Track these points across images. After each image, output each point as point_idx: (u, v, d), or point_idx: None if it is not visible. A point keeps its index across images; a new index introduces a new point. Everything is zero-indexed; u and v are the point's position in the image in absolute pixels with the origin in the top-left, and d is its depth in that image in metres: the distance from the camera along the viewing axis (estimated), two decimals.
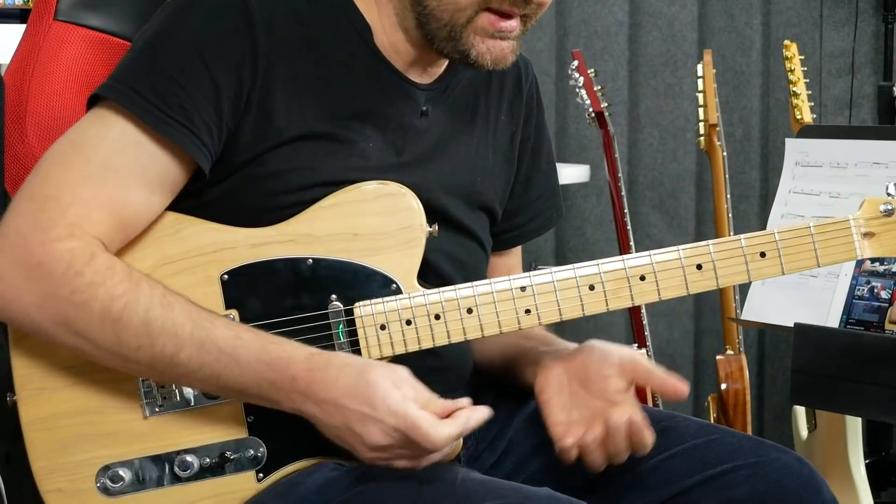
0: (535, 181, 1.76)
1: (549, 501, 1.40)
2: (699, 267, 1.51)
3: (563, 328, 3.53)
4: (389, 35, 1.56)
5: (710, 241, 1.52)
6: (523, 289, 1.50)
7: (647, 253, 1.51)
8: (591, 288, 1.51)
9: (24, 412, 1.47)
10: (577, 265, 1.51)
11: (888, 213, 1.53)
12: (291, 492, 1.46)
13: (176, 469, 1.47)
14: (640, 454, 1.54)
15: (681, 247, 1.51)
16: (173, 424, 1.47)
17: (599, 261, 1.51)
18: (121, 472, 1.47)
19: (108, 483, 1.47)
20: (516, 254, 1.82)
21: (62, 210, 1.40)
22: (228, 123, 1.47)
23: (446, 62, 1.61)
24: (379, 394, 1.38)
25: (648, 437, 1.53)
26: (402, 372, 1.42)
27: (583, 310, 1.51)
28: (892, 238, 1.53)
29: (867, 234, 1.54)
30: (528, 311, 1.50)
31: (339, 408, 1.39)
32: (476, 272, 1.64)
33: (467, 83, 1.65)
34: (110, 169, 1.43)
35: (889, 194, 1.55)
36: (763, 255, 1.51)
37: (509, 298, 1.50)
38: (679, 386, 1.54)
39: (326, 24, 1.54)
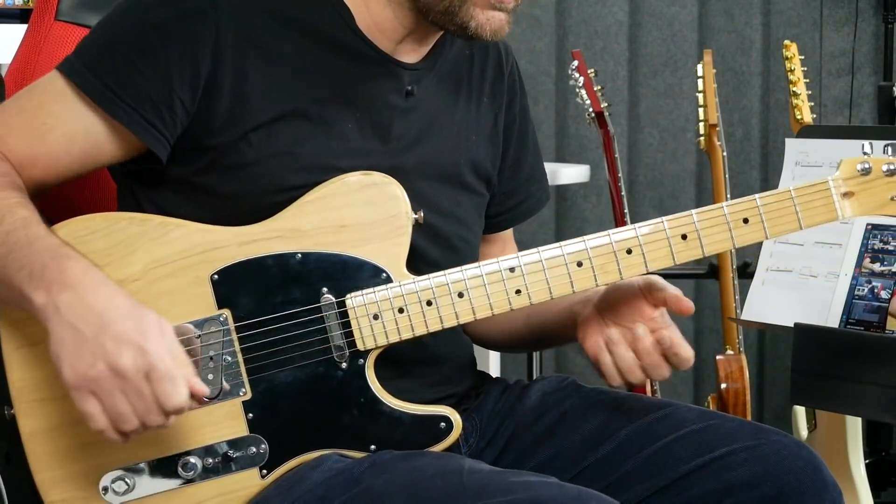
0: (524, 163, 1.77)
1: (560, 490, 1.39)
2: (684, 237, 1.52)
3: None
4: (374, 14, 1.56)
5: (694, 211, 1.52)
6: (512, 269, 1.50)
7: (632, 226, 1.52)
8: (580, 264, 1.51)
9: (23, 425, 1.46)
10: (563, 242, 1.52)
11: (865, 172, 1.54)
12: (297, 486, 1.46)
13: (180, 471, 1.47)
14: (684, 369, 1.56)
15: (665, 218, 1.52)
16: (174, 427, 1.46)
17: (586, 237, 1.52)
18: (125, 478, 1.47)
19: (113, 489, 1.47)
20: (509, 235, 1.83)
21: None
22: (187, 107, 1.48)
23: (434, 39, 1.61)
24: (156, 329, 1.35)
25: (686, 350, 1.56)
26: (171, 330, 1.38)
27: (572, 286, 1.51)
28: (870, 196, 1.54)
29: (846, 194, 1.54)
30: (518, 292, 1.51)
31: (102, 318, 1.34)
32: (466, 256, 1.64)
33: (452, 63, 1.66)
34: (43, 109, 1.50)
35: (865, 153, 1.55)
36: (746, 220, 1.52)
37: (499, 280, 1.50)
38: (685, 302, 1.56)
39: (305, 5, 1.55)
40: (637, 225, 1.52)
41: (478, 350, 1.78)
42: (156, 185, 1.53)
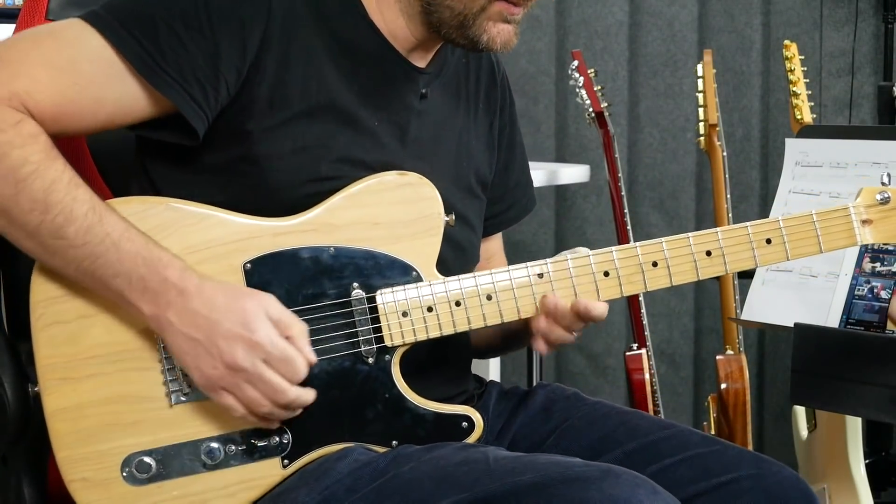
0: (512, 169, 1.80)
1: (588, 466, 1.41)
2: (708, 253, 1.56)
3: None
4: (388, 22, 1.58)
5: (719, 229, 1.57)
6: (541, 275, 1.54)
7: (658, 240, 1.55)
8: (606, 274, 1.54)
9: (47, 402, 1.47)
10: (592, 252, 1.55)
11: (884, 202, 1.60)
12: (324, 477, 1.47)
13: (202, 457, 1.48)
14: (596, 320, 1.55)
15: (691, 234, 1.56)
16: (199, 413, 1.48)
17: (613, 248, 1.55)
18: (146, 461, 1.48)
19: (134, 472, 1.48)
20: (497, 239, 1.85)
21: (12, 76, 1.43)
22: (230, 88, 1.48)
23: (438, 46, 1.63)
24: (259, 316, 1.43)
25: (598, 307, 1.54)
26: (273, 302, 1.45)
27: (598, 295, 1.54)
28: (889, 225, 1.61)
29: (866, 222, 1.60)
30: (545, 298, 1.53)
31: (209, 321, 1.42)
32: (473, 258, 1.68)
33: (453, 70, 1.68)
34: (75, 68, 1.45)
35: (884, 183, 1.62)
36: (769, 241, 1.57)
37: (527, 285, 1.53)
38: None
39: (335, 5, 1.56)
40: (664, 239, 1.56)
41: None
42: (185, 175, 1.53)
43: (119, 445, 1.47)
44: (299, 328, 1.45)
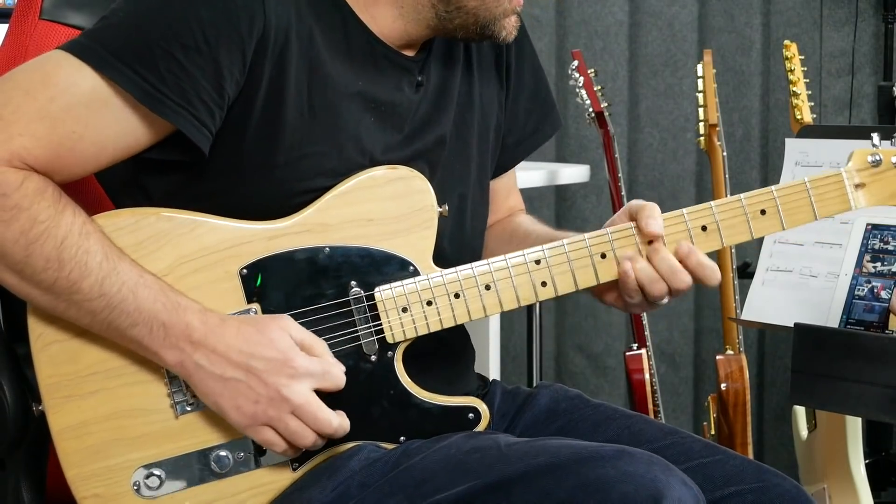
0: (521, 99, 1.76)
1: (601, 446, 1.41)
2: (704, 228, 1.55)
3: (565, 325, 3.51)
4: (380, 24, 1.57)
5: (713, 203, 1.56)
6: (538, 262, 1.53)
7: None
8: (604, 256, 1.54)
9: (53, 421, 1.47)
10: (587, 234, 1.54)
11: (876, 164, 1.58)
12: (336, 475, 1.47)
13: (212, 465, 1.48)
14: (711, 282, 1.54)
15: (685, 210, 1.55)
16: (205, 422, 1.48)
17: (609, 228, 1.54)
18: (156, 473, 1.47)
19: (145, 484, 1.47)
20: (509, 176, 1.82)
21: (10, 136, 1.40)
22: (230, 100, 1.47)
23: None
24: (287, 342, 1.43)
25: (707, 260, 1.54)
26: (293, 324, 1.45)
27: (597, 278, 1.54)
28: (882, 187, 1.58)
29: (859, 185, 1.58)
30: (544, 284, 1.53)
31: (244, 354, 1.42)
32: (473, 250, 1.66)
33: (442, 42, 1.65)
34: (71, 116, 1.43)
35: (874, 145, 1.59)
36: (763, 212, 1.56)
37: (525, 272, 1.53)
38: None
39: (322, 7, 1.55)
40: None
41: (478, 351, 1.79)
42: (182, 185, 1.52)
43: (127, 460, 1.47)
44: (321, 345, 1.45)
